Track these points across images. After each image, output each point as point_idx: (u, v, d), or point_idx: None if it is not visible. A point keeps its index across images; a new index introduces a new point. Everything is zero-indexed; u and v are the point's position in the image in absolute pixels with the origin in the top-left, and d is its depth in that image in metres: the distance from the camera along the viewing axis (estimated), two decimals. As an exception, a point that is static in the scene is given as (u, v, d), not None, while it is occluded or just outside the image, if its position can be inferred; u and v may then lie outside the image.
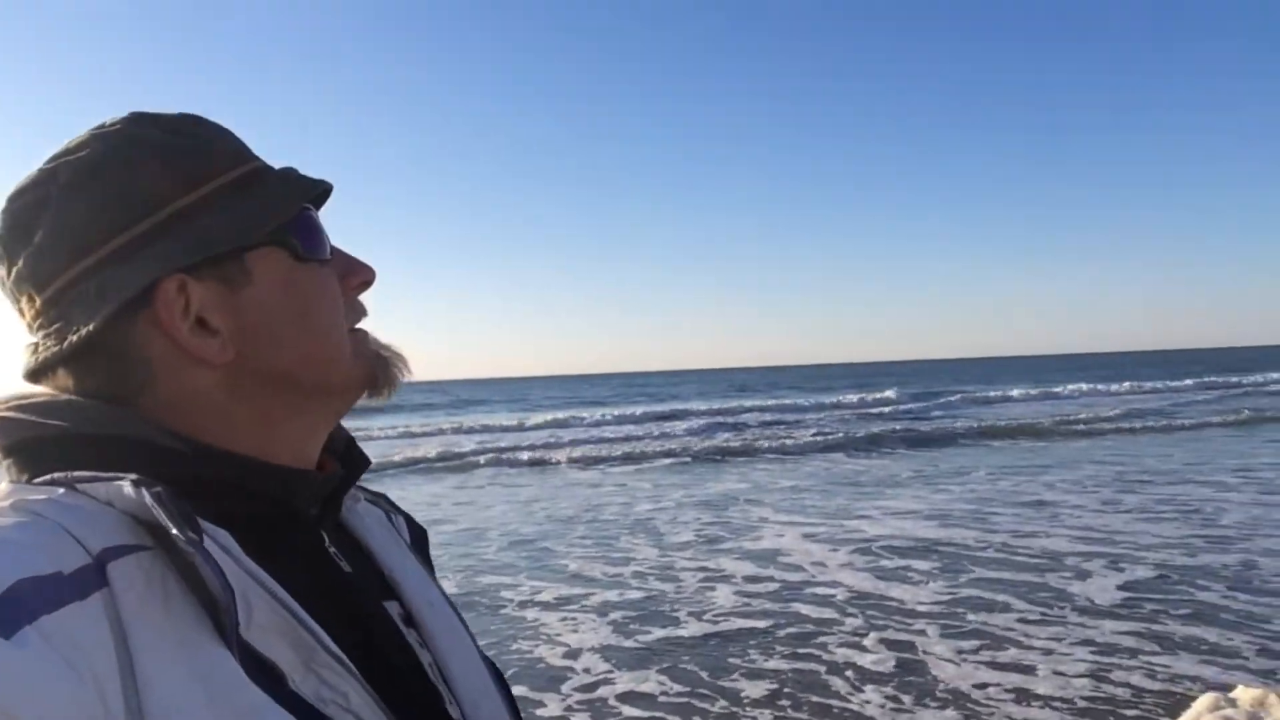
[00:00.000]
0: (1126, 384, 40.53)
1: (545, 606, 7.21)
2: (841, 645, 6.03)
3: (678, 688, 5.34)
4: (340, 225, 0.84)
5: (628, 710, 5.05)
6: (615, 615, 6.94)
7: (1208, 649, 5.57)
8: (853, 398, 36.67)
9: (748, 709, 5.01)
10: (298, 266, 0.72)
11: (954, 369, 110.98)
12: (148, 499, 0.58)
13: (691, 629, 6.51)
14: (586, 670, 5.72)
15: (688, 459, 18.26)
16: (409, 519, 0.94)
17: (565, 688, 5.41)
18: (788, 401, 36.67)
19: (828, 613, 6.80)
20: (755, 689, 5.29)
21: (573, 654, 6.03)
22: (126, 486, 0.59)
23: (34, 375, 0.70)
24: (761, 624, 6.57)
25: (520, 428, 27.90)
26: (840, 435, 21.23)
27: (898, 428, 23.14)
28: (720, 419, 28.21)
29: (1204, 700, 4.45)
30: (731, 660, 5.81)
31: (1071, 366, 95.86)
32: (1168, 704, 4.74)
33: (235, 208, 0.70)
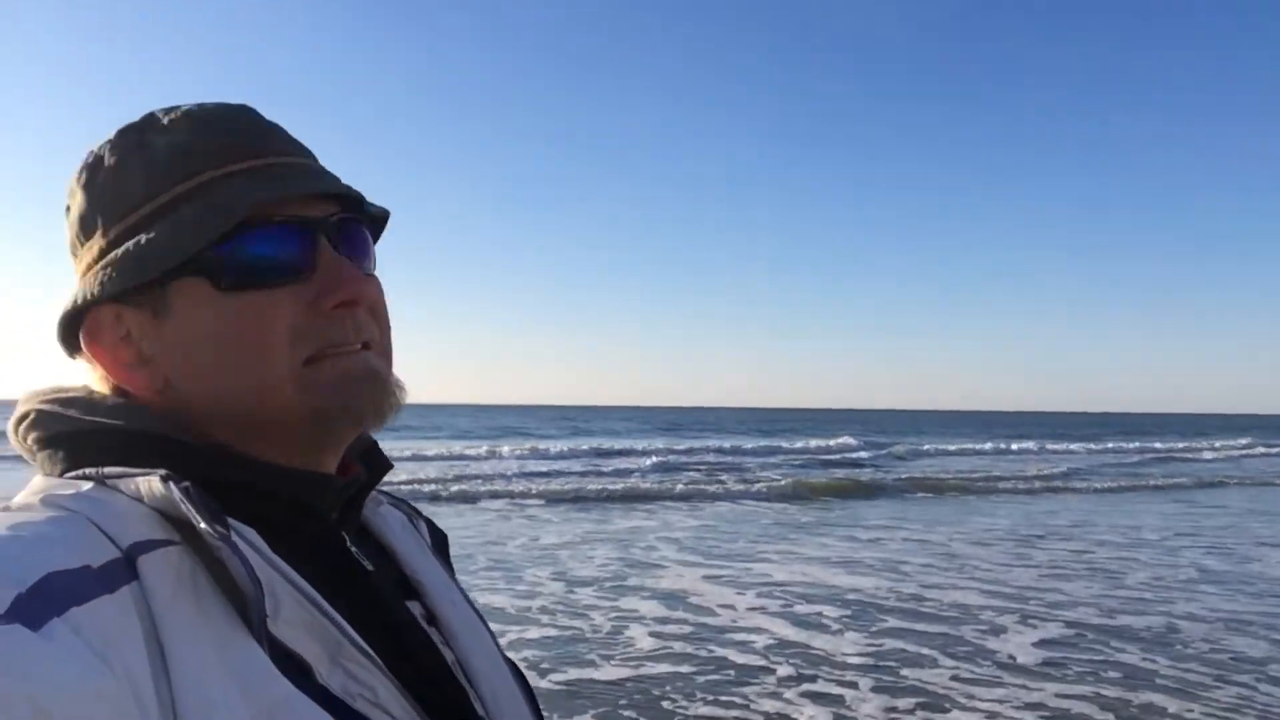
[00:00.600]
0: (1076, 445, 40.09)
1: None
2: (767, 696, 5.58)
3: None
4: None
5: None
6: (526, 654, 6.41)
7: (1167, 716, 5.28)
8: (810, 443, 35.61)
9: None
10: (220, 296, 0.69)
11: (919, 419, 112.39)
12: (176, 494, 0.60)
13: (607, 671, 5.98)
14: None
15: (618, 497, 17.40)
16: (430, 523, 0.95)
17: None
18: (744, 445, 35.52)
19: (751, 659, 6.35)
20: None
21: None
22: (156, 482, 0.61)
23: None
24: (684, 668, 6.10)
25: (442, 456, 26.64)
26: (782, 481, 20.21)
27: (839, 474, 22.87)
28: (670, 457, 27.28)
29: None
30: (661, 703, 5.27)
31: (1035, 423, 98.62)
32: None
33: (160, 233, 0.69)
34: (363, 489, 0.80)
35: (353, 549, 0.74)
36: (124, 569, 0.56)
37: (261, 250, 0.69)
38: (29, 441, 0.71)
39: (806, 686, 5.83)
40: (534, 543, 11.31)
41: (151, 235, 0.69)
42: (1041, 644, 6.89)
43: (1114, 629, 7.33)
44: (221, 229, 0.68)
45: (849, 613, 7.83)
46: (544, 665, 6.13)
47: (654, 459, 26.16)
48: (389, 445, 0.83)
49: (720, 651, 6.54)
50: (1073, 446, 38.35)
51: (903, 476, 22.50)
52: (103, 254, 0.71)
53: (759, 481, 20.20)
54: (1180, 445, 41.24)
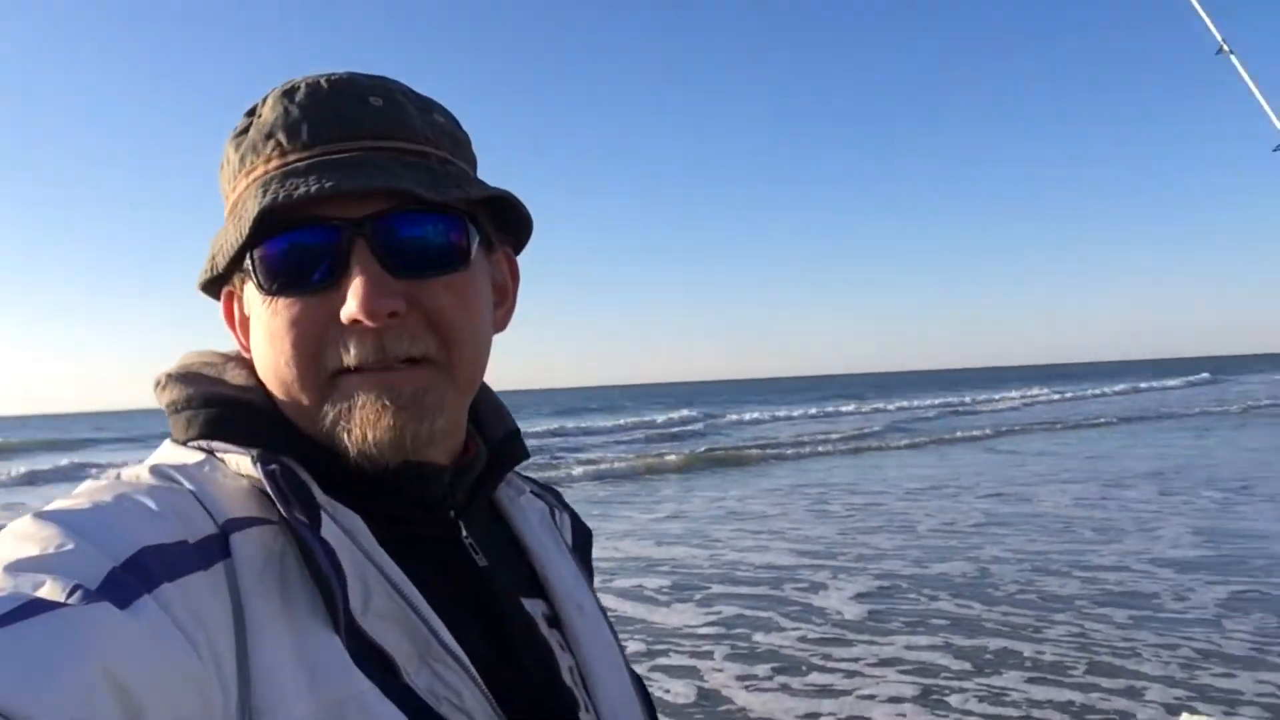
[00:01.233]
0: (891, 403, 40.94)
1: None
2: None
3: None
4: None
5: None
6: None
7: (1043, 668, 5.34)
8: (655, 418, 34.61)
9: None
10: (264, 298, 0.68)
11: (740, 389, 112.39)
12: (262, 476, 0.61)
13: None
14: None
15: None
16: (575, 518, 0.93)
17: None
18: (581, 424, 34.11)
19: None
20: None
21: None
22: (248, 460, 0.63)
23: None
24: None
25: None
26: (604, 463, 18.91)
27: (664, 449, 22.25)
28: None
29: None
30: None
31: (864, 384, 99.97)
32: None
33: (227, 229, 0.69)
34: (484, 475, 0.77)
35: (468, 540, 0.72)
36: (220, 545, 0.57)
37: (280, 254, 0.67)
38: (163, 405, 0.72)
39: (660, 660, 5.55)
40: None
41: (226, 230, 0.70)
42: (860, 598, 6.95)
43: (926, 578, 7.50)
44: (244, 231, 0.65)
45: (669, 583, 7.64)
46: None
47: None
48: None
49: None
50: (888, 405, 39.92)
51: (702, 449, 22.29)
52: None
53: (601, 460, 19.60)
54: (982, 397, 43.87)
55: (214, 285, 0.74)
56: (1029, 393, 46.27)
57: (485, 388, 0.80)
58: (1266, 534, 8.61)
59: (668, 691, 4.98)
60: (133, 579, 0.50)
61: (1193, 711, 4.17)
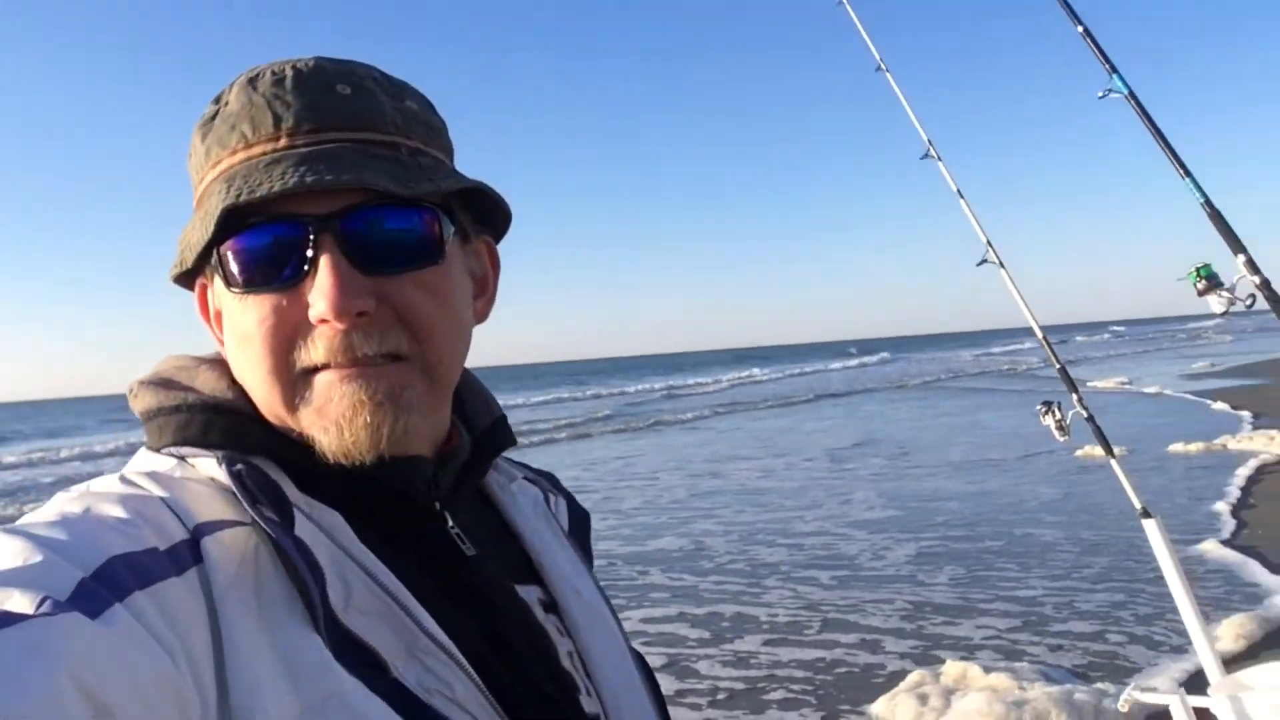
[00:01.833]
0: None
1: None
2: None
3: None
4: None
5: None
6: None
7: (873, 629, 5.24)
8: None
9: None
10: (232, 295, 0.66)
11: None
12: (227, 477, 0.60)
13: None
14: None
15: None
16: (571, 502, 0.91)
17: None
18: None
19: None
20: None
21: None
22: (214, 462, 0.62)
23: None
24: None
25: None
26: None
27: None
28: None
29: (911, 677, 4.22)
30: None
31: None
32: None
33: (194, 224, 0.67)
34: (470, 463, 0.76)
35: (455, 530, 0.70)
36: (192, 550, 0.56)
37: (246, 251, 0.64)
38: (137, 413, 0.70)
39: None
40: None
41: (193, 224, 0.67)
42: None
43: (641, 555, 7.45)
44: (209, 229, 0.63)
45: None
46: None
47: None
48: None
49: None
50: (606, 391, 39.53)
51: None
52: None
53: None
54: (692, 381, 44.39)
55: (187, 278, 0.72)
56: (741, 375, 48.57)
57: (469, 375, 0.79)
58: (940, 494, 9.40)
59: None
60: (103, 588, 0.49)
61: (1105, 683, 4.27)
